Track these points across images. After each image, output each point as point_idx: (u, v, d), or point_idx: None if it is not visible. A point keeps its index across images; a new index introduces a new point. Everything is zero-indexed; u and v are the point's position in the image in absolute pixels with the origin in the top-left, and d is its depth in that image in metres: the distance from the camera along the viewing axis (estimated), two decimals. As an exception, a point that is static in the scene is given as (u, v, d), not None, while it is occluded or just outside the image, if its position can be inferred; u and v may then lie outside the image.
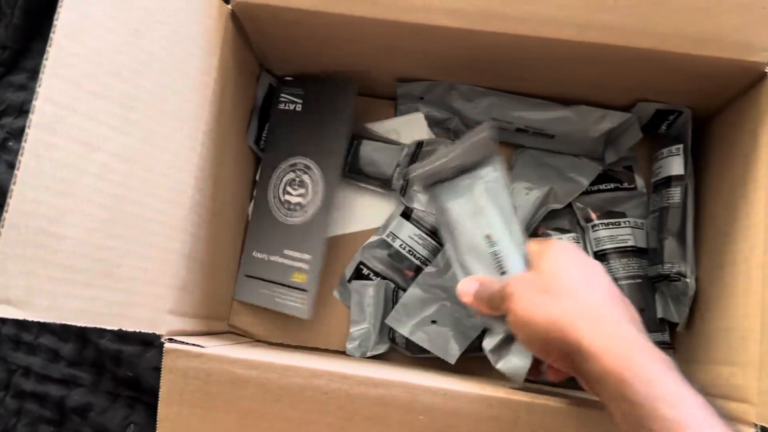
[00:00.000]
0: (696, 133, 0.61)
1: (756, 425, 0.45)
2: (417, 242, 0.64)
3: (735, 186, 0.54)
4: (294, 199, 0.64)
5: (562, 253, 0.44)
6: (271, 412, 0.46)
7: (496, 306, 0.45)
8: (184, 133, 0.49)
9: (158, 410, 0.46)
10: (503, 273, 0.49)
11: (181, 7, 0.48)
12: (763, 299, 0.47)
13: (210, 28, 0.52)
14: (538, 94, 0.63)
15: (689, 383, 0.36)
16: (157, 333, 0.47)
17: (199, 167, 0.51)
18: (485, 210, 0.50)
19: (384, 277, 0.64)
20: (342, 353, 0.64)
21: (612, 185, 0.65)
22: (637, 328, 0.39)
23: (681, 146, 0.60)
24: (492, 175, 0.51)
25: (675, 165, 0.61)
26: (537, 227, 0.64)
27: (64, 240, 0.41)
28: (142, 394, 0.64)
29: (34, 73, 0.73)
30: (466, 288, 0.48)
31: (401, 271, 0.64)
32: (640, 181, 0.65)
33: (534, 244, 0.47)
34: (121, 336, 0.65)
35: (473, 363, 0.61)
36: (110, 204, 0.44)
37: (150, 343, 0.65)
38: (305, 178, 0.64)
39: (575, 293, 0.41)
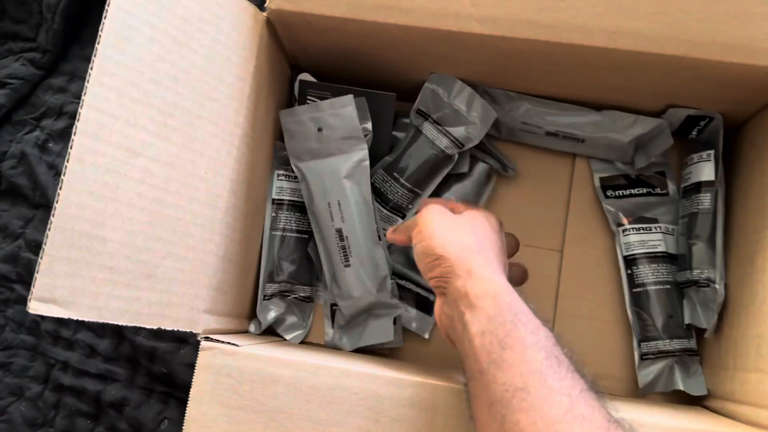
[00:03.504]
0: (726, 139, 0.61)
1: (785, 433, 0.45)
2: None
3: (765, 193, 0.54)
4: None
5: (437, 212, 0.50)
6: (300, 412, 0.47)
7: (409, 232, 0.50)
8: (221, 139, 0.51)
9: (187, 409, 0.47)
10: (347, 266, 0.60)
11: (218, 15, 0.50)
12: (793, 307, 0.47)
13: (246, 35, 0.53)
14: (569, 98, 0.63)
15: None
16: (194, 332, 0.49)
17: (234, 171, 0.52)
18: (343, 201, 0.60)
19: None
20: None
21: (644, 190, 0.65)
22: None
23: (712, 152, 0.60)
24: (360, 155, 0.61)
25: (705, 171, 0.60)
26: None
27: (107, 243, 0.42)
28: (176, 390, 0.66)
29: (72, 77, 0.75)
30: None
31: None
32: (672, 187, 0.65)
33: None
34: (155, 333, 0.67)
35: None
36: (151, 208, 0.45)
37: (184, 340, 0.67)
38: None
39: (470, 233, 0.47)
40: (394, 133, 0.67)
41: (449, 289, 0.44)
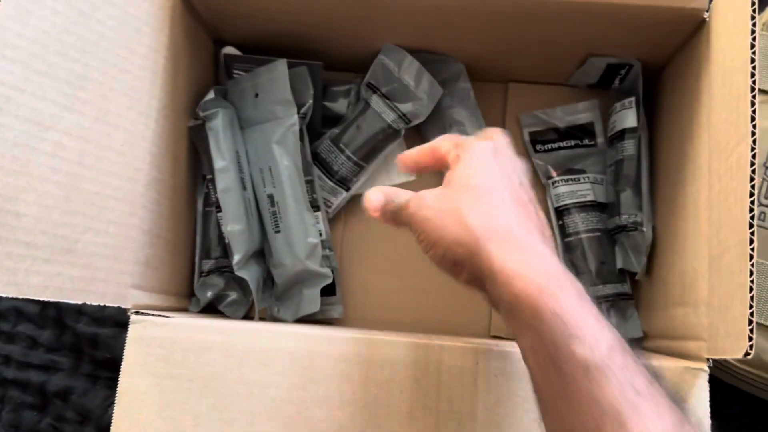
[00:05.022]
0: (648, 86, 0.63)
1: (708, 359, 0.46)
2: None
3: (683, 132, 0.55)
4: None
5: (475, 157, 0.39)
6: (234, 376, 0.46)
7: (402, 221, 0.40)
8: (137, 111, 0.50)
9: (119, 382, 0.47)
10: (278, 232, 0.60)
11: (126, -14, 0.49)
12: (708, 239, 0.48)
13: (157, 5, 0.52)
14: (486, 53, 0.63)
15: (603, 318, 0.33)
16: (123, 307, 0.49)
17: (154, 144, 0.52)
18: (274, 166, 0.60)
19: None
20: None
21: (573, 143, 0.66)
22: (549, 248, 0.35)
23: (633, 99, 0.62)
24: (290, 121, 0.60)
25: (628, 118, 0.62)
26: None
27: (21, 217, 0.42)
28: (121, 375, 0.66)
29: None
30: (374, 202, 0.42)
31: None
32: (600, 139, 0.66)
33: (452, 148, 0.41)
34: (96, 319, 0.66)
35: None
36: (66, 182, 0.44)
37: (125, 324, 0.66)
38: None
39: (485, 206, 0.37)
40: (325, 103, 0.67)
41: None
